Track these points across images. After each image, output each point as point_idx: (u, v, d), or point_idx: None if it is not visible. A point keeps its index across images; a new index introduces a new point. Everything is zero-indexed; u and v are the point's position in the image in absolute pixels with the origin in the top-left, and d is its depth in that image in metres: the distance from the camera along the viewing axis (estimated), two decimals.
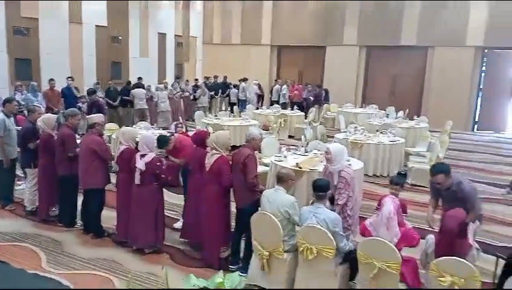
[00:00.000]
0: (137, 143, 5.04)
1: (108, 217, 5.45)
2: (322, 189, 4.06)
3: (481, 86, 14.81)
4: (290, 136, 11.91)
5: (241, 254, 4.62)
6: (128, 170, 4.89)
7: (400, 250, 3.63)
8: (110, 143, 7.97)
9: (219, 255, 4.66)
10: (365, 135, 8.75)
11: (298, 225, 4.08)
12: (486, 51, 14.54)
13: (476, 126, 14.98)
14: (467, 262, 3.30)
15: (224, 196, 4.65)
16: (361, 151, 8.16)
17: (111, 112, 11.63)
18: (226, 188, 4.60)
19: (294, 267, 4.13)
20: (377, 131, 9.35)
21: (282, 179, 4.21)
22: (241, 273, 4.22)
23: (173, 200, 6.53)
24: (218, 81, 15.83)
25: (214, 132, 9.25)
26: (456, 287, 3.26)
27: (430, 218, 4.38)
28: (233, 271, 4.24)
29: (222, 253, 4.70)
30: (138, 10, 15.45)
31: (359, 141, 8.38)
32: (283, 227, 4.02)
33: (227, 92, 15.31)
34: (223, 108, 14.99)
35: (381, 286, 3.63)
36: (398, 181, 4.59)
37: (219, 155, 4.56)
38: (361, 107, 14.49)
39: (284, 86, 15.15)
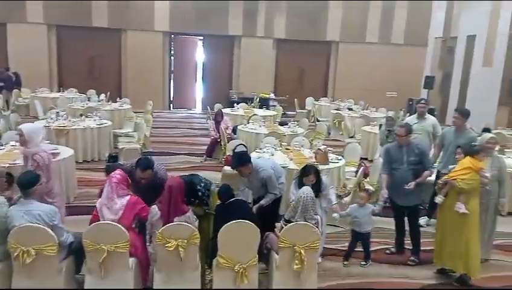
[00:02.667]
0: None
1: None
2: (28, 185, 3.59)
3: (172, 69, 16.35)
4: None
5: None
6: None
7: (133, 220, 3.72)
8: None
9: None
10: (70, 120, 8.22)
11: (6, 229, 3.50)
12: (172, 36, 16.07)
13: (171, 105, 16.54)
14: (186, 224, 3.69)
15: None
16: (68, 137, 7.66)
17: None
18: None
19: (7, 278, 3.55)
20: (81, 115, 8.94)
21: None
22: None
23: None
24: None
25: None
26: (180, 249, 3.60)
27: None
28: None
29: None
30: None
31: (64, 127, 7.82)
32: None
33: None
34: None
35: (112, 267, 3.61)
36: (109, 168, 4.57)
37: None
38: (60, 92, 13.45)
39: None
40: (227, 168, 6.82)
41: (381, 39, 16.16)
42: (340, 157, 6.61)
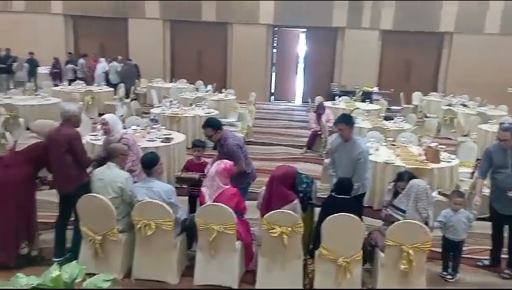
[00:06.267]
0: None
1: None
2: (150, 164, 3.94)
3: (274, 61, 16.59)
4: (100, 114, 11.07)
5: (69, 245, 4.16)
6: None
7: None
8: None
9: (15, 252, 3.97)
10: (181, 109, 8.83)
11: (131, 203, 3.88)
12: (276, 29, 16.28)
13: (273, 97, 16.82)
14: (291, 212, 3.74)
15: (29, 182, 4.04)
16: (180, 124, 8.24)
17: None
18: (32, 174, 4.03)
19: (130, 248, 3.96)
20: (191, 104, 9.54)
21: (112, 155, 3.93)
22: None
23: None
24: None
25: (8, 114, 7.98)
26: (284, 236, 3.67)
27: None
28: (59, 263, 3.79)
29: (22, 249, 4.04)
30: None
31: (176, 115, 8.42)
32: (116, 205, 3.78)
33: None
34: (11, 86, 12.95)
35: (221, 247, 3.81)
36: (198, 144, 4.88)
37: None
38: (172, 82, 14.50)
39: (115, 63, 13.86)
40: (328, 160, 6.76)
41: (504, 29, 14.54)
42: (453, 156, 6.15)
